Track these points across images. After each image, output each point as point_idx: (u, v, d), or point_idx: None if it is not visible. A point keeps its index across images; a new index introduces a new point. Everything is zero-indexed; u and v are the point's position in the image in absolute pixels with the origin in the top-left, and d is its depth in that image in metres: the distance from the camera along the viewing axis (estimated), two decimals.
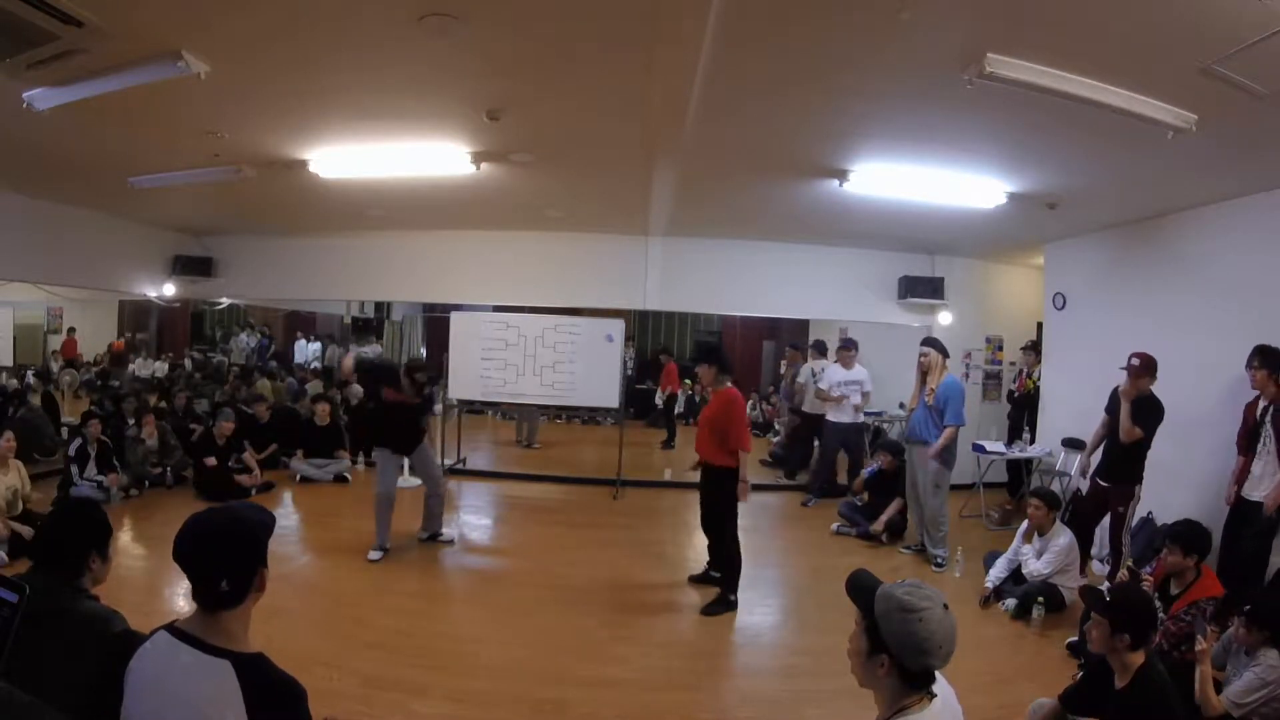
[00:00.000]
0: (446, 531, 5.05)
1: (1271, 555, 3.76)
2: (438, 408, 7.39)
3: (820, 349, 7.54)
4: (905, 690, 1.32)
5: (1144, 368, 4.15)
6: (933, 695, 1.33)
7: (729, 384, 4.09)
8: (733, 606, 4.00)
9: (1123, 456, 4.20)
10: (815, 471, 6.95)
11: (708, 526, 4.22)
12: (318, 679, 2.85)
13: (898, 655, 1.30)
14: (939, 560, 4.85)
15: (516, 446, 8.95)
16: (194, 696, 1.27)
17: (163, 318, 10.75)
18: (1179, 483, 4.57)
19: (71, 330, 9.97)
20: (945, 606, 1.31)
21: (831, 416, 6.65)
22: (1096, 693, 2.36)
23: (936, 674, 1.37)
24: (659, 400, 10.48)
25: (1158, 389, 4.19)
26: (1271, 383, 3.79)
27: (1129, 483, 4.18)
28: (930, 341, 5.01)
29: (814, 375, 7.01)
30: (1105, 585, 4.00)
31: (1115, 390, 4.36)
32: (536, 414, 9.09)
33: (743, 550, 4.10)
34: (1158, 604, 3.26)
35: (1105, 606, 2.29)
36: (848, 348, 6.67)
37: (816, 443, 7.19)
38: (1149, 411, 4.09)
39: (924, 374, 4.92)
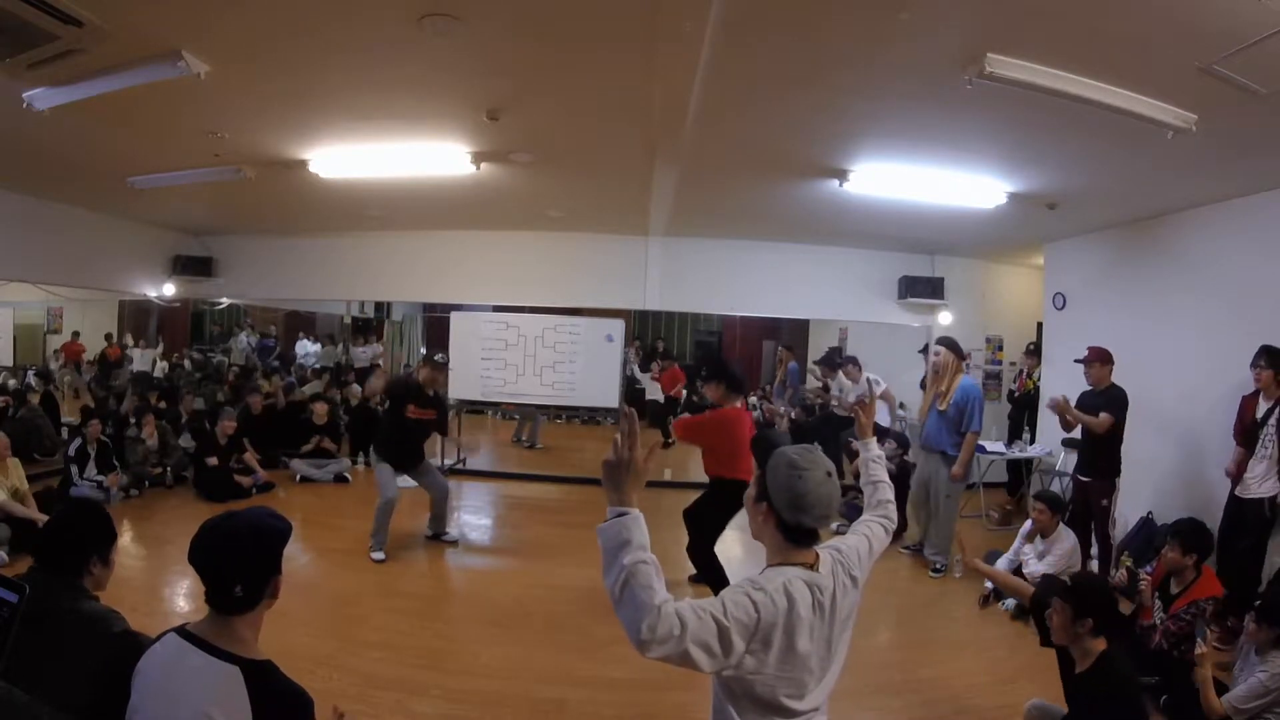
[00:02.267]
0: (451, 532, 5.07)
1: (1268, 555, 3.76)
2: None
3: (856, 364, 7.46)
4: (784, 542, 1.43)
5: (1094, 357, 4.34)
6: (817, 565, 1.43)
7: (738, 402, 3.97)
8: None
9: (1098, 451, 4.29)
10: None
11: (689, 520, 4.16)
12: (318, 679, 2.85)
13: (775, 504, 1.41)
14: (938, 565, 4.78)
15: (515, 446, 8.94)
16: (201, 700, 1.27)
17: (163, 318, 10.74)
18: (1178, 482, 4.57)
19: (76, 334, 9.96)
20: (829, 475, 1.41)
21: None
22: (1064, 678, 2.39)
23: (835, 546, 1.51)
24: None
25: (1157, 388, 4.22)
26: (1276, 384, 3.79)
27: (1108, 476, 4.26)
28: (945, 341, 4.85)
29: (841, 391, 7.00)
30: None
31: (1080, 395, 4.53)
32: (539, 414, 9.09)
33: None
34: (1158, 602, 3.26)
35: (1066, 591, 2.31)
36: (850, 363, 6.71)
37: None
38: (1116, 401, 4.25)
39: (936, 375, 4.80)
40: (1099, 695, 2.16)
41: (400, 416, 4.60)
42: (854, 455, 6.07)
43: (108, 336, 10.20)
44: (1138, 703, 2.17)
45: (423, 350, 10.44)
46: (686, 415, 4.05)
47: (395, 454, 4.65)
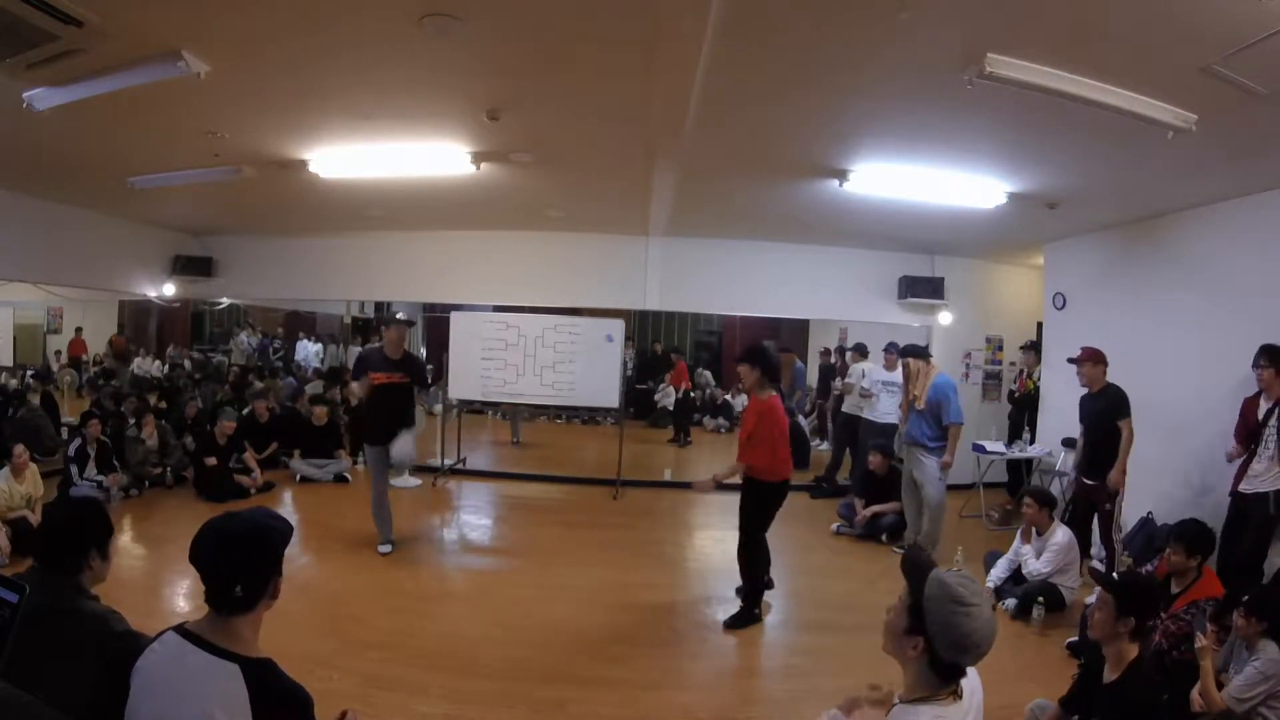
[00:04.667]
0: (388, 544, 4.68)
1: (1270, 555, 3.75)
2: (437, 407, 7.39)
3: (862, 350, 7.48)
4: (932, 678, 1.32)
5: (1088, 356, 4.40)
6: (959, 693, 1.33)
7: (772, 393, 3.84)
8: (756, 619, 3.88)
9: (1099, 452, 4.30)
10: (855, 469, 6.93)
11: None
12: (318, 679, 2.84)
13: (934, 642, 1.30)
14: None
15: (511, 446, 8.97)
16: (200, 698, 1.27)
17: (163, 318, 10.75)
18: (1178, 482, 4.57)
19: (79, 330, 9.97)
20: (993, 607, 1.31)
21: (868, 415, 6.66)
22: (1089, 689, 2.34)
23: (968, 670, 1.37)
24: (660, 398, 10.49)
25: (1157, 387, 4.22)
26: (1278, 383, 3.79)
27: None
28: (909, 350, 5.13)
29: (863, 375, 7.00)
30: None
31: (1080, 400, 4.57)
32: (520, 411, 9.11)
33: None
34: None
35: (1113, 585, 2.25)
36: (890, 351, 6.64)
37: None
38: (1121, 401, 4.28)
39: (907, 382, 5.04)
40: (1127, 705, 2.12)
41: (372, 388, 4.48)
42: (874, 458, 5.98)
43: (119, 330, 10.25)
44: (1161, 712, 2.15)
45: (423, 350, 10.45)
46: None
47: (373, 428, 4.52)
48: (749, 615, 3.87)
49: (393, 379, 4.50)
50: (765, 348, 4.05)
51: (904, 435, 5.17)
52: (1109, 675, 2.22)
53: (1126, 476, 4.27)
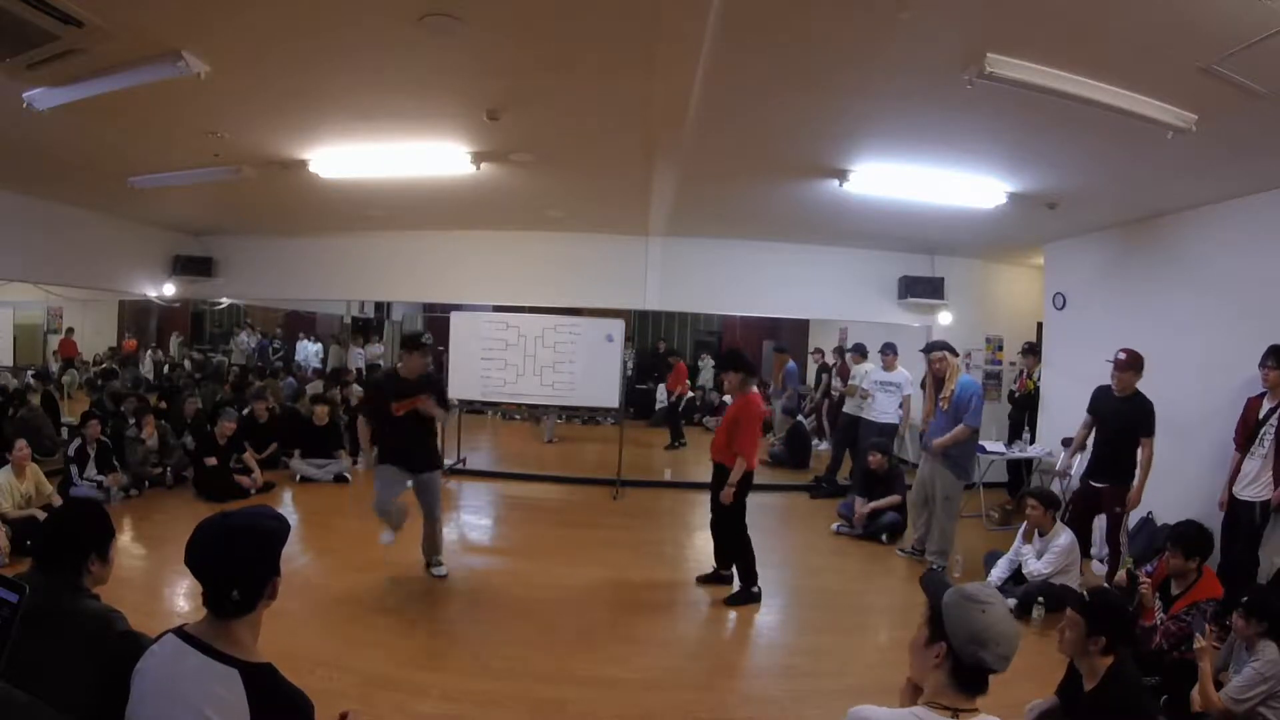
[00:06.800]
0: (439, 567, 4.34)
1: (1269, 556, 3.75)
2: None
3: (862, 351, 7.47)
4: (953, 687, 1.33)
5: (1130, 363, 4.17)
6: (975, 711, 1.34)
7: (753, 388, 4.12)
8: (756, 598, 4.06)
9: (1114, 457, 4.21)
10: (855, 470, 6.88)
11: (715, 526, 4.25)
12: (318, 679, 2.84)
13: (953, 642, 1.32)
14: (935, 566, 4.71)
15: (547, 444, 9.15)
16: (200, 702, 1.26)
17: (163, 317, 10.76)
18: (1178, 482, 4.57)
19: (70, 330, 9.97)
20: (1011, 611, 1.34)
21: (867, 415, 6.62)
22: (1071, 692, 2.36)
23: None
24: (661, 397, 10.50)
25: (1157, 388, 4.20)
26: None
27: (1123, 483, 4.18)
28: (942, 345, 4.81)
29: (865, 375, 6.94)
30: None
31: (1097, 391, 4.41)
32: (550, 412, 9.24)
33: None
34: (1158, 603, 3.26)
35: (1083, 606, 2.28)
36: (888, 352, 6.62)
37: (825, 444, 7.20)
38: (1148, 415, 4.10)
39: (939, 380, 4.75)
40: (1110, 711, 2.14)
41: (388, 416, 4.01)
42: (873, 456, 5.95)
43: (128, 335, 10.28)
44: (1147, 711, 2.16)
45: None
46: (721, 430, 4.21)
47: (395, 455, 4.10)
48: (748, 594, 4.04)
49: (417, 404, 4.00)
50: (739, 351, 4.32)
51: (924, 440, 4.88)
52: (1087, 685, 2.25)
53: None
